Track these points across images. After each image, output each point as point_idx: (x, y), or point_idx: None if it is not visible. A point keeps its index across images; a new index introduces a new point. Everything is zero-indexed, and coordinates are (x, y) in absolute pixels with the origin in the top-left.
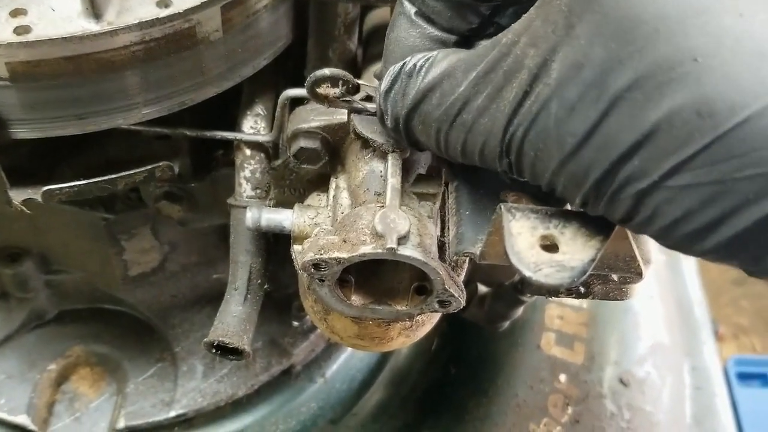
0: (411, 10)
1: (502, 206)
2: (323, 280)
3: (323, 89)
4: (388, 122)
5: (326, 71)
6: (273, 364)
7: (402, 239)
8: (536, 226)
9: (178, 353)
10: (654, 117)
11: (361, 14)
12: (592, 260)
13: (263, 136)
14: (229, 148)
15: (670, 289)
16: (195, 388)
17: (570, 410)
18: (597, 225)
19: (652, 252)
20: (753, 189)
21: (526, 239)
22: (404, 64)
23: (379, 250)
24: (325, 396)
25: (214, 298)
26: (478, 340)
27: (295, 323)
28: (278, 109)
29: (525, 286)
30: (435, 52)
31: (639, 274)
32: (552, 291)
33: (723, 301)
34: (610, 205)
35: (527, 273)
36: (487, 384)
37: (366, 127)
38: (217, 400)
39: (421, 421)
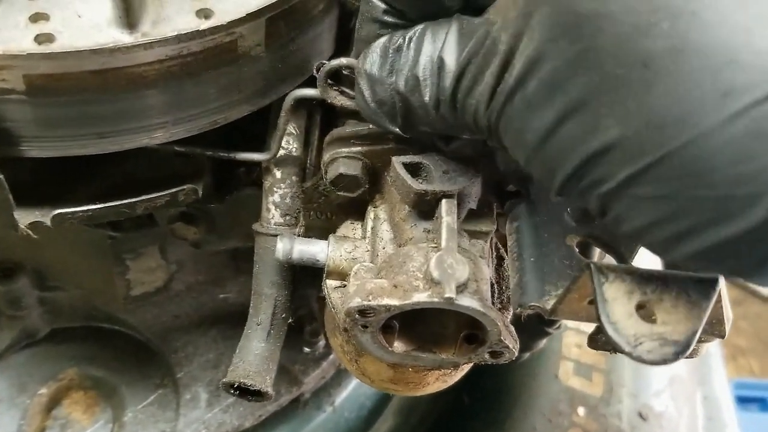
0: (380, 8)
1: (593, 266)
2: (366, 326)
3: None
4: (371, 103)
5: (343, 60)
6: (282, 393)
7: (460, 287)
8: (633, 290)
9: (180, 379)
10: (610, 125)
11: None
12: (696, 332)
13: (293, 153)
14: (253, 166)
15: None
16: (198, 418)
17: None
18: (698, 289)
19: (730, 310)
20: (708, 211)
21: (623, 306)
22: (388, 40)
23: (436, 299)
24: (333, 426)
25: (220, 319)
26: (494, 368)
27: (307, 349)
28: (282, 113)
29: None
30: (416, 27)
31: (721, 336)
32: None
33: None
34: (582, 201)
35: (626, 348)
36: (503, 416)
37: None
38: None
39: None
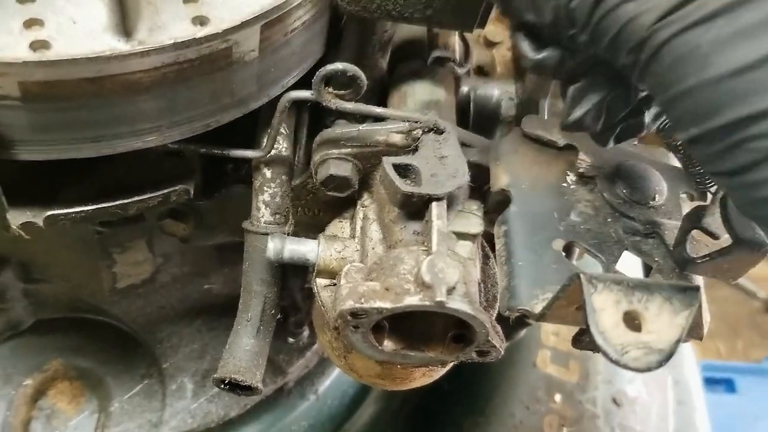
0: None
1: (582, 276)
2: (358, 327)
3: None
4: None
5: (338, 65)
6: (267, 382)
7: (450, 290)
8: (620, 300)
9: (166, 369)
10: None
11: None
12: (679, 340)
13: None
14: (240, 163)
15: None
16: (184, 408)
17: (565, 431)
18: (681, 298)
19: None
20: None
21: (610, 316)
22: None
23: (427, 302)
24: (317, 413)
25: (205, 309)
26: None
27: (291, 340)
28: (277, 114)
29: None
30: None
31: (699, 338)
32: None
33: None
34: (727, 153)
35: (614, 356)
36: (483, 403)
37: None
38: (207, 422)
39: None
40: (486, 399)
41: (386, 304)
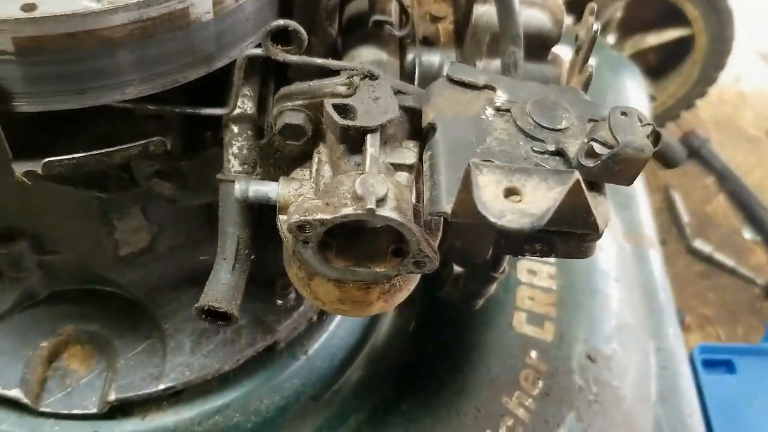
0: None
1: (471, 163)
2: (307, 242)
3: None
4: None
5: (281, 21)
6: (258, 340)
7: (380, 201)
8: (501, 179)
9: (166, 330)
10: None
11: (341, 4)
12: (550, 209)
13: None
14: (218, 129)
15: (636, 275)
16: (183, 362)
17: (540, 384)
18: (557, 178)
19: (610, 212)
20: None
21: (491, 191)
22: None
23: (360, 211)
24: (307, 373)
25: (200, 279)
26: (454, 322)
27: (279, 302)
28: (236, 71)
29: (497, 262)
30: None
31: (596, 230)
32: (519, 249)
33: (689, 293)
34: None
35: (492, 219)
36: (462, 361)
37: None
38: (204, 374)
39: (400, 397)
40: (464, 358)
41: (326, 215)
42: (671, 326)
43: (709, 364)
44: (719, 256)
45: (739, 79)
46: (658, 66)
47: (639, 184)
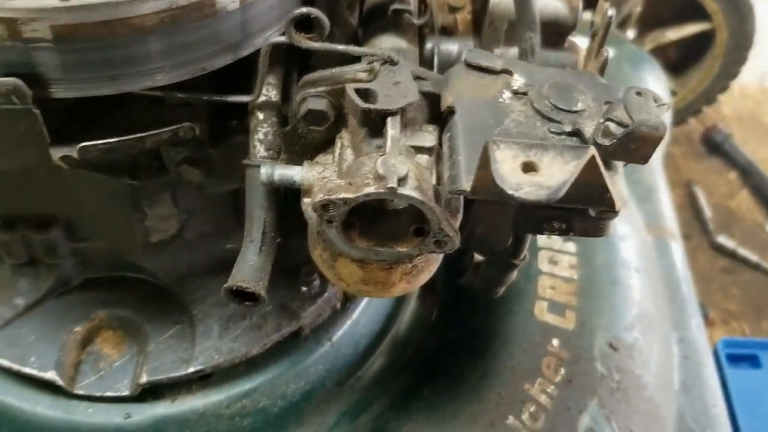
0: None
1: (488, 140)
2: (331, 222)
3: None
4: None
5: (303, 9)
6: (283, 325)
7: (401, 180)
8: (518, 154)
9: (195, 315)
10: None
11: None
12: (566, 182)
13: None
14: (243, 118)
15: (657, 266)
16: (212, 346)
17: (563, 371)
18: (571, 154)
19: (624, 193)
20: None
21: (509, 165)
22: None
23: (381, 190)
24: (332, 359)
25: (227, 266)
26: (475, 311)
27: (304, 288)
28: (261, 58)
29: (517, 249)
30: None
31: (613, 208)
32: (537, 227)
33: (713, 288)
34: None
35: (510, 191)
36: (483, 348)
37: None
38: (232, 358)
39: (422, 384)
40: (486, 345)
41: (349, 194)
42: (693, 317)
43: (733, 359)
44: (743, 252)
45: (764, 75)
46: (678, 61)
47: (660, 177)
